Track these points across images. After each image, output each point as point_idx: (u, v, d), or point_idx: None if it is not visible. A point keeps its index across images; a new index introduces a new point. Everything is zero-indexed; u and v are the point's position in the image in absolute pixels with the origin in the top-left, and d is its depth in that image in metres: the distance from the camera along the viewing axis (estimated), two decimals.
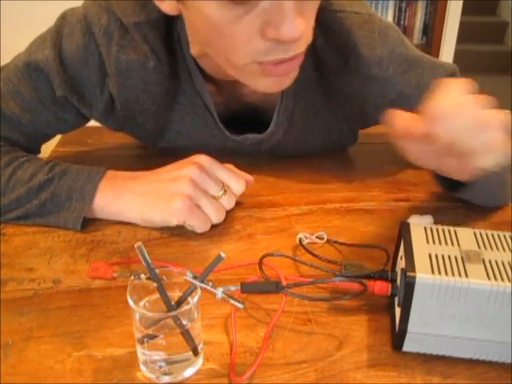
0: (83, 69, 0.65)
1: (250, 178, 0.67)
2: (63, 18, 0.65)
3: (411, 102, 0.70)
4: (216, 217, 0.61)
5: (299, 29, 0.48)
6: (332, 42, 0.65)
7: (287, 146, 0.75)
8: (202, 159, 0.63)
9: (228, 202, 0.63)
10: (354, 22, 0.63)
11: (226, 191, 0.62)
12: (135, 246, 0.41)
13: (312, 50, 0.66)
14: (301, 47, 0.53)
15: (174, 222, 0.59)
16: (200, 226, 0.60)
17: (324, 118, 0.73)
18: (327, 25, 0.64)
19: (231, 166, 0.66)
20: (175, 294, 0.44)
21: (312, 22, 0.53)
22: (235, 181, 0.64)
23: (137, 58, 0.64)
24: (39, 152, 0.74)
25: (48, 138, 0.73)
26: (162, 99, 0.68)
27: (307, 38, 0.53)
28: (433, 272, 0.42)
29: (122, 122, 0.71)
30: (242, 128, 0.72)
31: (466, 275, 0.42)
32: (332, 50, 0.65)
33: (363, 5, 0.67)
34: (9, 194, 0.62)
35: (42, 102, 0.67)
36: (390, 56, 0.65)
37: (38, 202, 0.61)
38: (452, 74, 0.73)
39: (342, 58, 0.65)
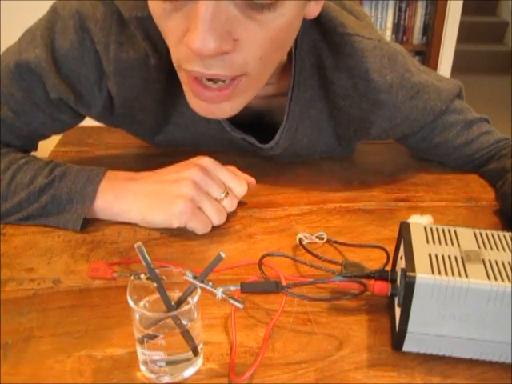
0: (79, 67, 0.62)
1: (252, 180, 0.67)
2: (54, 11, 0.62)
3: (416, 124, 0.71)
4: (217, 219, 0.61)
5: (205, 43, 0.46)
6: (342, 64, 0.64)
7: (285, 158, 0.75)
8: (205, 161, 0.62)
9: (230, 205, 0.63)
10: (366, 47, 0.63)
11: (227, 193, 0.62)
12: (135, 246, 0.41)
13: (319, 70, 0.66)
14: (224, 69, 0.50)
15: (175, 224, 0.59)
16: (201, 228, 0.60)
17: (327, 136, 0.73)
18: (339, 47, 0.63)
19: (233, 168, 0.66)
20: (175, 294, 0.44)
21: (253, 54, 0.51)
22: (237, 183, 0.64)
23: (137, 56, 0.62)
24: (36, 149, 0.73)
25: (44, 137, 0.72)
26: (163, 96, 0.67)
27: (237, 63, 0.50)
28: (433, 272, 0.42)
29: (121, 119, 0.69)
30: (245, 125, 0.71)
31: (466, 275, 0.42)
32: (341, 72, 0.65)
33: (372, 29, 0.66)
34: (10, 199, 0.61)
35: (36, 104, 0.65)
36: (399, 82, 0.65)
37: (38, 205, 0.60)
38: (458, 95, 0.73)
39: (351, 81, 0.65)
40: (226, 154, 0.72)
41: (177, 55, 0.52)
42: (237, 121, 0.67)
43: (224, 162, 0.65)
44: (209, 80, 0.52)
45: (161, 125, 0.72)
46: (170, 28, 0.51)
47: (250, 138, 0.70)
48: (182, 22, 0.48)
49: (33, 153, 0.72)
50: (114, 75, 0.63)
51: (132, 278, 0.43)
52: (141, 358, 0.43)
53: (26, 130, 0.67)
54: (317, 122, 0.71)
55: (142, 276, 0.43)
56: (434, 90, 0.69)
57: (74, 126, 0.72)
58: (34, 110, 0.65)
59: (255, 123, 0.72)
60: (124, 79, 0.63)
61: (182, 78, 0.55)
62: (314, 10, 0.56)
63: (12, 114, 0.65)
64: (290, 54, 0.65)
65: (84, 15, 0.61)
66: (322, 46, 0.65)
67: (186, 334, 0.41)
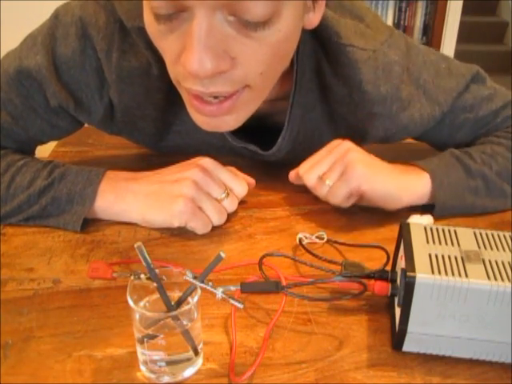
0: (80, 74, 0.62)
1: (251, 180, 0.67)
2: (56, 17, 0.62)
3: (416, 131, 0.70)
4: (218, 219, 0.61)
5: (202, 64, 0.46)
6: (339, 72, 0.64)
7: (287, 162, 0.75)
8: (206, 162, 0.62)
9: (230, 205, 0.63)
10: (360, 58, 0.62)
11: (228, 194, 0.62)
12: (135, 246, 0.41)
13: (318, 74, 0.66)
14: (224, 86, 0.50)
15: (175, 223, 0.59)
16: (201, 228, 0.60)
17: (328, 139, 0.71)
18: (334, 55, 0.63)
19: (234, 169, 0.66)
20: (175, 294, 0.44)
21: (253, 70, 0.50)
22: (238, 184, 0.64)
23: (139, 64, 0.62)
24: (34, 154, 0.72)
25: (42, 143, 0.71)
26: (164, 104, 0.67)
27: (237, 79, 0.50)
28: (433, 272, 0.42)
29: (122, 127, 0.69)
30: (247, 130, 0.71)
31: (466, 275, 0.42)
32: (338, 79, 0.64)
33: (375, 29, 0.65)
34: (10, 202, 0.61)
35: (35, 110, 0.64)
36: (393, 94, 0.64)
37: (38, 206, 0.60)
38: (466, 87, 0.69)
39: (347, 90, 0.65)
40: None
41: (175, 73, 0.52)
42: (239, 127, 0.67)
43: (224, 162, 0.65)
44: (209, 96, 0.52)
45: (162, 133, 0.72)
46: (166, 48, 0.50)
47: (252, 147, 0.70)
48: (177, 42, 0.48)
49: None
50: (115, 83, 0.63)
51: (132, 277, 0.43)
52: (141, 358, 0.43)
53: (24, 135, 0.67)
54: (318, 125, 0.70)
55: (142, 276, 0.43)
56: (431, 95, 0.68)
57: (72, 133, 0.71)
58: (33, 116, 0.65)
59: (256, 127, 0.72)
60: (126, 87, 0.63)
61: (183, 93, 0.55)
62: (313, 21, 0.56)
63: (11, 119, 0.65)
64: (291, 58, 0.64)
65: (86, 22, 0.60)
66: (320, 52, 0.64)
67: (186, 334, 0.41)
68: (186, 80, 0.51)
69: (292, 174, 0.66)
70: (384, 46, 0.64)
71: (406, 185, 0.63)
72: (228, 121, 0.55)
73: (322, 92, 0.67)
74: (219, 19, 0.46)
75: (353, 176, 0.59)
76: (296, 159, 0.74)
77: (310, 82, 0.66)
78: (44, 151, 0.76)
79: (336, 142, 0.64)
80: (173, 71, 0.53)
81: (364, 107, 0.65)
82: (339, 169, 0.61)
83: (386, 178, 0.61)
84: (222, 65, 0.47)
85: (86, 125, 0.72)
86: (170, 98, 0.66)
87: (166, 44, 0.50)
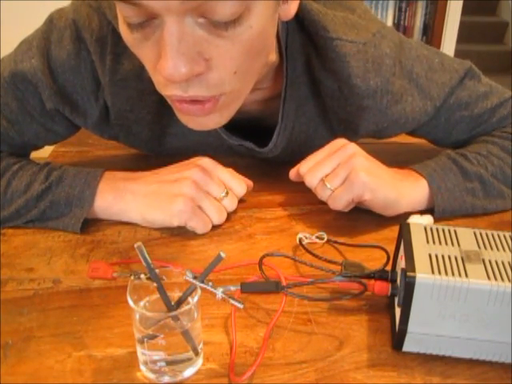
0: (75, 77, 0.62)
1: (249, 182, 0.67)
2: (50, 21, 0.62)
3: (409, 126, 0.69)
4: (217, 218, 0.61)
5: (176, 69, 0.45)
6: (327, 66, 0.63)
7: (285, 158, 0.74)
8: (205, 161, 0.63)
9: (230, 204, 0.63)
10: (349, 52, 0.61)
11: (227, 193, 0.62)
12: (135, 245, 0.41)
13: (308, 68, 0.65)
14: (201, 90, 0.50)
15: (175, 223, 0.59)
16: (201, 228, 0.60)
17: (323, 130, 0.72)
18: (323, 50, 0.62)
19: (232, 170, 0.66)
20: (175, 294, 0.44)
21: (227, 71, 0.50)
22: (237, 183, 0.64)
23: (132, 67, 0.62)
24: (29, 158, 0.71)
25: (37, 148, 0.71)
26: (158, 107, 0.66)
27: (213, 82, 0.50)
28: (433, 272, 0.42)
29: (117, 131, 0.69)
30: (243, 129, 0.71)
31: (466, 275, 0.42)
32: (327, 73, 0.64)
33: (367, 21, 0.64)
34: (7, 207, 0.61)
35: (31, 114, 0.64)
36: (383, 87, 0.64)
37: (37, 211, 0.60)
38: (460, 82, 0.69)
39: (336, 84, 0.64)
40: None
41: (156, 82, 0.52)
42: (235, 126, 0.67)
43: (224, 163, 0.65)
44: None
45: (159, 136, 0.71)
46: (143, 56, 0.50)
47: (248, 144, 0.70)
48: (153, 50, 0.48)
49: (33, 152, 0.72)
50: (109, 86, 0.63)
51: (132, 278, 0.43)
52: (141, 358, 0.43)
53: (18, 139, 0.67)
54: (312, 118, 0.70)
55: (142, 276, 0.43)
56: (423, 89, 0.67)
57: (67, 138, 0.71)
58: (29, 120, 0.65)
59: (255, 127, 0.72)
60: (119, 90, 0.63)
61: (168, 100, 0.55)
62: (288, 12, 0.54)
63: (6, 123, 0.65)
64: (281, 53, 0.64)
65: (80, 25, 0.61)
66: (309, 46, 0.64)
67: (186, 334, 0.41)
68: (165, 87, 0.51)
69: (292, 172, 0.65)
70: (376, 36, 0.64)
71: (405, 192, 0.62)
72: (213, 118, 0.55)
73: (314, 86, 0.67)
74: (189, 23, 0.46)
75: (357, 184, 0.58)
76: (294, 156, 0.74)
77: (301, 76, 0.66)
78: (44, 151, 0.76)
79: (340, 143, 0.62)
80: (155, 80, 0.52)
81: (354, 101, 0.65)
82: (342, 174, 0.59)
83: (388, 186, 0.60)
84: (196, 68, 0.47)
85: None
86: (163, 101, 0.65)
87: (144, 52, 0.50)
